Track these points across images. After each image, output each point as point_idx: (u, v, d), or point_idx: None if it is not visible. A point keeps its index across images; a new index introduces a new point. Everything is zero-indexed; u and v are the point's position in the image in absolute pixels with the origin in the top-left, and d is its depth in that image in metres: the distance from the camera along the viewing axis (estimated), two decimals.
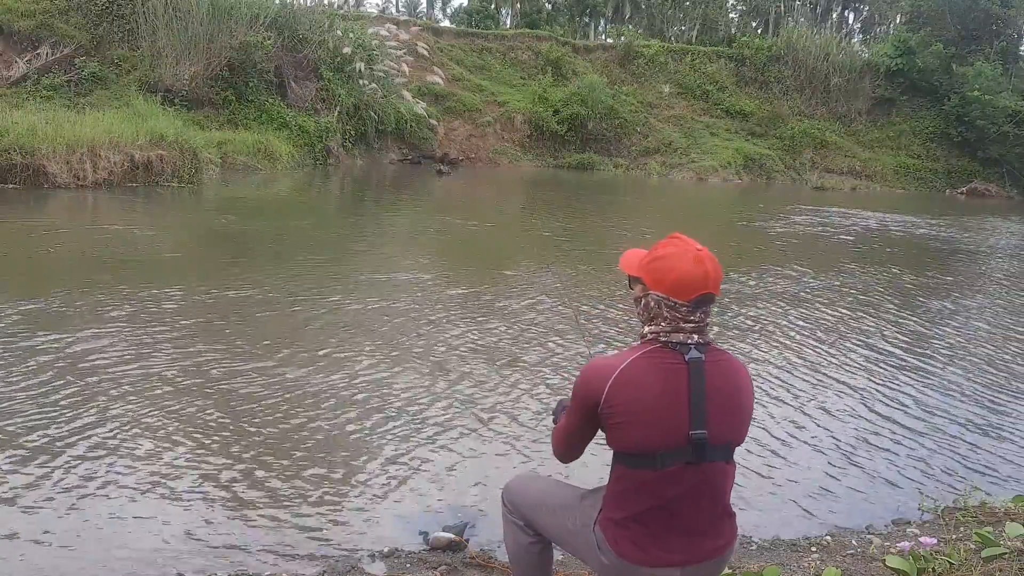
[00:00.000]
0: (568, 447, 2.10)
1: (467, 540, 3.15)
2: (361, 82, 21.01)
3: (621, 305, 7.18)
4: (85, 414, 4.06)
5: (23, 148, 11.66)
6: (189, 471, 3.57)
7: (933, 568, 2.86)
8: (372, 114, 21.30)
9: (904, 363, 6.21)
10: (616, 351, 2.08)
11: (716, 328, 6.68)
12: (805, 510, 3.73)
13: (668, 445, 1.87)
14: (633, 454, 1.91)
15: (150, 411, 4.16)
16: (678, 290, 1.90)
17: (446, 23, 40.76)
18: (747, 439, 2.05)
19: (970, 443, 4.66)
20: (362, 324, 6.14)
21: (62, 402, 4.19)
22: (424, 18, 41.74)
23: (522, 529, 2.25)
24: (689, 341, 1.90)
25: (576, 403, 1.98)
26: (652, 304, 1.95)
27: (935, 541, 3.06)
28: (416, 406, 4.53)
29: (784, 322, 7.20)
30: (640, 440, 1.88)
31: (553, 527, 2.18)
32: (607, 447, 2.03)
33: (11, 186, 11.42)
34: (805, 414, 4.91)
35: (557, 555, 2.61)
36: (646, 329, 1.96)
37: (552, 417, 2.31)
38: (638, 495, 1.93)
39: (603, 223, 13.67)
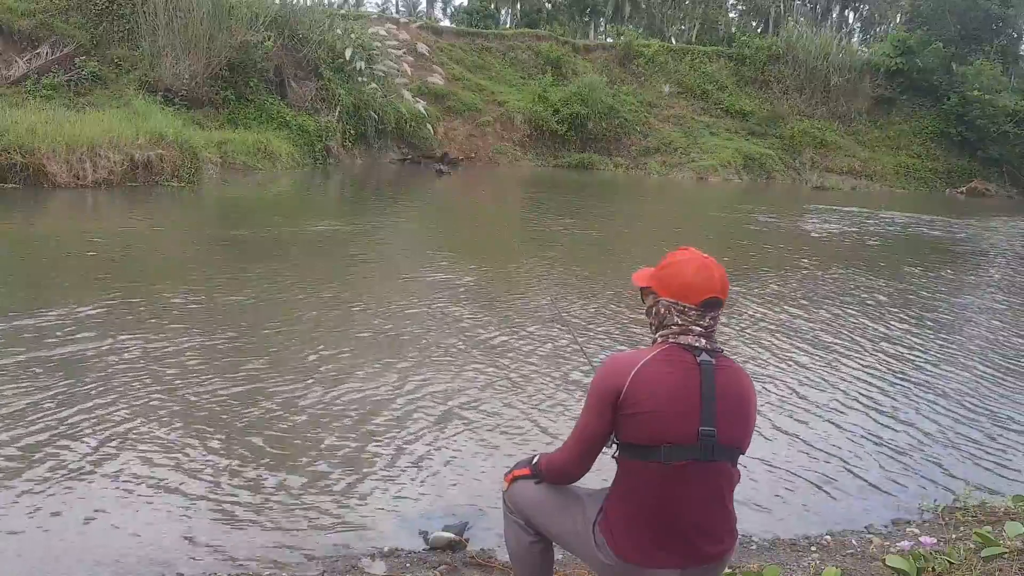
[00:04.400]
0: (586, 450, 2.06)
1: (467, 540, 3.15)
2: (361, 81, 21.00)
3: (625, 313, 7.18)
4: (86, 416, 4.06)
5: (23, 147, 11.66)
6: (190, 472, 3.57)
7: (933, 568, 2.87)
8: (372, 114, 21.29)
9: (905, 363, 6.20)
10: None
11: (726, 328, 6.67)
12: (805, 510, 3.73)
13: (678, 439, 1.91)
14: (643, 446, 1.93)
15: (151, 412, 4.16)
16: (686, 294, 1.98)
17: (446, 23, 40.79)
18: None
19: (970, 443, 4.66)
20: (362, 325, 6.14)
21: (64, 403, 4.19)
22: (424, 18, 41.72)
23: (523, 528, 2.26)
24: (697, 344, 1.96)
25: (595, 397, 1.99)
26: (662, 310, 2.02)
27: (935, 541, 3.07)
28: (416, 406, 4.53)
29: (787, 323, 7.20)
30: (652, 431, 1.91)
31: (554, 527, 2.19)
32: (606, 451, 2.04)
33: (11, 186, 11.42)
34: (805, 414, 4.91)
35: (557, 555, 2.61)
36: (657, 334, 2.03)
37: (519, 466, 2.30)
38: (643, 492, 1.95)
39: (606, 226, 13.67)
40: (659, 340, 2.01)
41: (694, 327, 1.97)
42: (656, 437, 1.91)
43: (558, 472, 2.15)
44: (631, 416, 1.93)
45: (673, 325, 1.99)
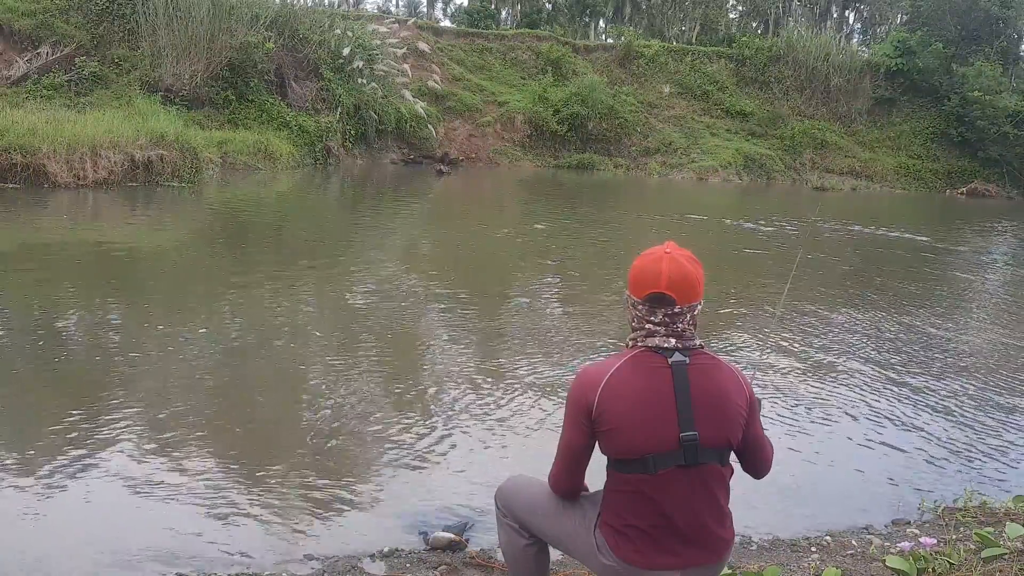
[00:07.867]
0: (572, 465, 2.05)
1: (467, 540, 3.15)
2: (361, 82, 20.99)
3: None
4: (87, 413, 4.05)
5: (23, 147, 11.65)
6: (190, 471, 3.57)
7: (933, 568, 2.86)
8: (372, 114, 21.28)
9: (905, 364, 6.20)
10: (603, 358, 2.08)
11: (732, 328, 6.68)
12: (805, 510, 3.73)
13: (659, 448, 1.88)
14: (626, 459, 1.91)
15: (152, 410, 4.16)
16: (633, 286, 1.96)
17: (446, 23, 40.74)
18: None
19: (970, 443, 4.66)
20: (363, 327, 6.14)
21: (64, 400, 4.19)
22: (424, 18, 41.68)
23: (517, 532, 2.24)
24: (666, 344, 1.91)
25: (570, 413, 1.98)
26: (627, 305, 2.00)
27: (935, 541, 3.06)
28: (416, 407, 4.53)
29: (788, 324, 7.19)
30: (632, 444, 1.89)
31: (549, 529, 2.18)
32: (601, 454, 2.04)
33: (11, 185, 11.42)
34: (805, 415, 4.91)
35: (555, 555, 2.61)
36: (628, 337, 1.99)
37: None
38: (634, 501, 1.93)
39: (607, 227, 13.67)
40: (630, 344, 1.98)
41: (651, 326, 1.92)
42: (637, 449, 1.89)
43: (555, 489, 2.14)
44: (608, 432, 1.91)
45: (639, 328, 1.95)
